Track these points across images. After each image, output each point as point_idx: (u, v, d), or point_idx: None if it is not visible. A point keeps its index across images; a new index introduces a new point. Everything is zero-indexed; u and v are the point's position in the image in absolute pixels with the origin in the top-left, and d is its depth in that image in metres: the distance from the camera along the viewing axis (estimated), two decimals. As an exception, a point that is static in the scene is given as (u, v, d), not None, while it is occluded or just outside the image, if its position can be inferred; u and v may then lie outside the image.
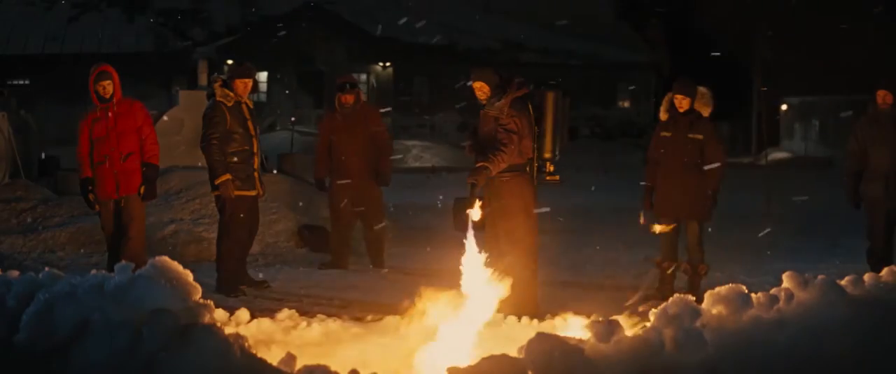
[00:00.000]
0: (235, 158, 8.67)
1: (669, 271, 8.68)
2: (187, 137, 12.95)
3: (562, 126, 7.60)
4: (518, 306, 6.80)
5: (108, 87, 8.42)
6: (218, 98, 8.64)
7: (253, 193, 8.82)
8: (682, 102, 8.48)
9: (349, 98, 9.86)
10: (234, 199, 8.64)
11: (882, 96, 8.80)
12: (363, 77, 40.42)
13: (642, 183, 8.78)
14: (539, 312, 7.09)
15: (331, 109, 10.20)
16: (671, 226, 8.57)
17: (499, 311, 6.52)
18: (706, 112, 8.53)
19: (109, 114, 8.45)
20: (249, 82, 8.74)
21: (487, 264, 6.54)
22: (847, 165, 9.19)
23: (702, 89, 8.58)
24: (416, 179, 21.83)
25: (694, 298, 5.38)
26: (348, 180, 9.84)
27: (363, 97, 10.12)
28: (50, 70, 34.67)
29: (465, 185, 7.17)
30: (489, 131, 7.46)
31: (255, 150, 8.80)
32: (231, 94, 8.65)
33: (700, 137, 8.43)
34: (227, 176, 8.60)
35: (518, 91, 7.45)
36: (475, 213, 6.91)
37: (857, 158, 9.02)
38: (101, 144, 8.46)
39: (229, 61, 39.81)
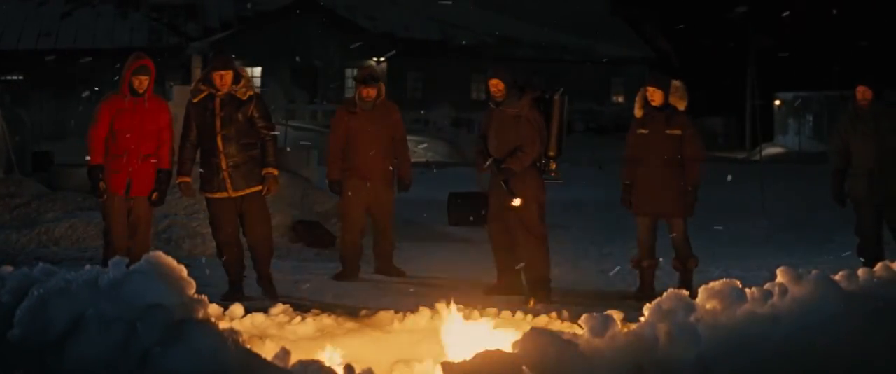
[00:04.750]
0: (199, 158, 8.14)
1: (649, 270, 8.56)
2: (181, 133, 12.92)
3: (564, 127, 8.28)
4: (535, 285, 8.13)
5: (144, 82, 8.01)
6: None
7: (219, 194, 8.08)
8: (653, 95, 8.27)
9: (371, 92, 8.96)
10: (208, 200, 8.24)
11: (862, 92, 8.69)
12: (357, 72, 40.32)
13: (625, 182, 8.55)
14: (551, 292, 8.19)
15: (348, 103, 9.31)
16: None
17: (519, 291, 8.09)
18: (682, 106, 8.29)
19: (138, 109, 8.06)
20: (227, 74, 7.95)
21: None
22: (831, 163, 9.12)
23: (675, 83, 8.39)
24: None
25: (687, 293, 5.39)
26: (366, 182, 9.05)
27: (384, 92, 9.19)
28: (43, 65, 34.57)
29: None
30: (508, 129, 8.11)
31: (220, 147, 7.99)
32: (204, 88, 8.04)
33: (678, 132, 8.24)
34: (182, 179, 8.15)
35: (534, 92, 8.14)
36: (516, 201, 8.03)
37: (840, 155, 8.94)
38: (123, 138, 8.04)
39: (222, 56, 39.73)
